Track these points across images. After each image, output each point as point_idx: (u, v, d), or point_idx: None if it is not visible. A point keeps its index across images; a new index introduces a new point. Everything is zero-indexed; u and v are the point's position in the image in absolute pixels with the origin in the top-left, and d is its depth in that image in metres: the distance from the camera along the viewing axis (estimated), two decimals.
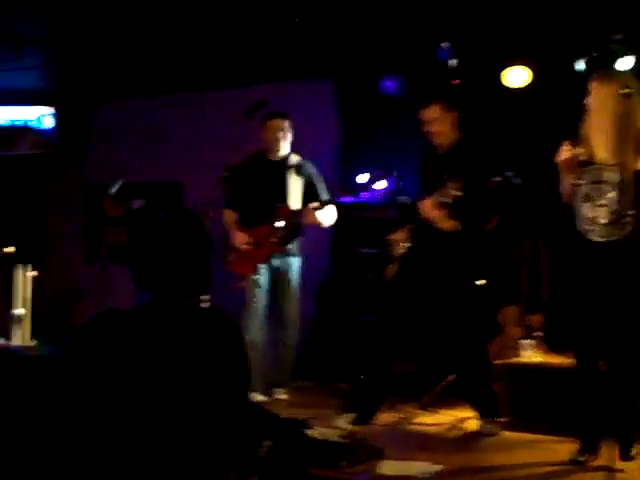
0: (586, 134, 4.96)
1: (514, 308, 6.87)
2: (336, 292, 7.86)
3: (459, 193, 5.43)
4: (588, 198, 4.94)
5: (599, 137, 4.90)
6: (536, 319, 6.80)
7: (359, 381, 6.10)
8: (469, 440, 5.69)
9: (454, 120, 5.91)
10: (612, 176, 4.86)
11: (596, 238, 4.91)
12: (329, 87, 8.50)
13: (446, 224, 5.65)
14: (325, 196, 6.92)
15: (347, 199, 7.61)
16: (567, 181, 5.03)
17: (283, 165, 6.90)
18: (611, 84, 4.87)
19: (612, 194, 4.84)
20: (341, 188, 8.10)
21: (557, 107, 6.99)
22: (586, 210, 4.96)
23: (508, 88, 7.21)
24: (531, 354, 6.22)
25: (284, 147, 6.91)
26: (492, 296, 6.67)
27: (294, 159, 6.95)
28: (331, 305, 7.85)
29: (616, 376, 4.94)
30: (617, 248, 4.84)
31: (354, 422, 5.79)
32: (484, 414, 5.84)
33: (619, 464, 4.64)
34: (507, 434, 5.77)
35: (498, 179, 6.39)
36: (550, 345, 6.56)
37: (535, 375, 6.08)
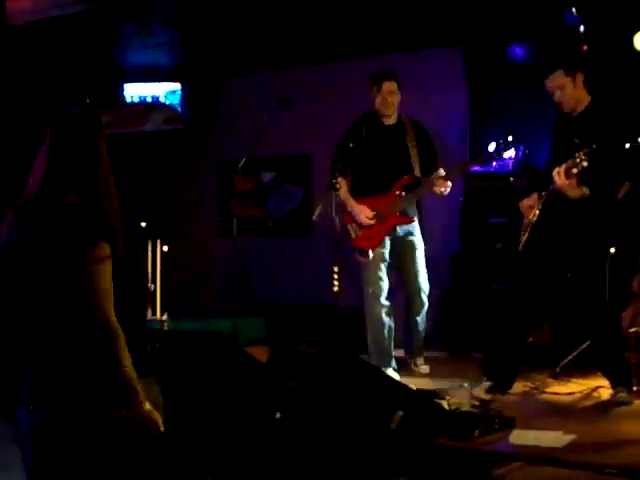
0: None
1: None
2: (467, 262, 7.89)
3: (585, 163, 5.38)
4: None
5: None
6: None
7: (494, 350, 6.13)
8: (602, 409, 5.66)
9: (580, 83, 5.80)
10: None
11: None
12: (458, 55, 8.49)
13: (575, 192, 5.59)
14: (435, 162, 6.83)
15: (476, 168, 7.60)
16: None
17: (400, 129, 6.80)
18: None
19: None
20: (471, 157, 8.13)
21: None
22: None
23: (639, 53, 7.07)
24: None
25: (397, 109, 6.82)
26: (625, 263, 6.61)
27: (409, 122, 6.84)
28: (463, 275, 7.89)
29: None
30: None
31: (490, 391, 5.83)
32: (617, 383, 5.79)
33: None
34: None
35: (629, 146, 6.33)
36: None
37: None
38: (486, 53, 8.18)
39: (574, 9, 7.11)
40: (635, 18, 7.00)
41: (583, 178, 5.51)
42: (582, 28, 7.14)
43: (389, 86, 6.71)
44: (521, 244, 5.96)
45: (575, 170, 5.44)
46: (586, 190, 5.57)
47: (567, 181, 5.53)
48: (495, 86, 8.15)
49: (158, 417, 3.62)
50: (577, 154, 5.40)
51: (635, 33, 6.98)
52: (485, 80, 8.27)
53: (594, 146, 5.37)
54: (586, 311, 5.86)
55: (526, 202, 6.03)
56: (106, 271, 3.53)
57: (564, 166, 5.52)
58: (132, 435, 3.45)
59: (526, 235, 5.95)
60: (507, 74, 7.90)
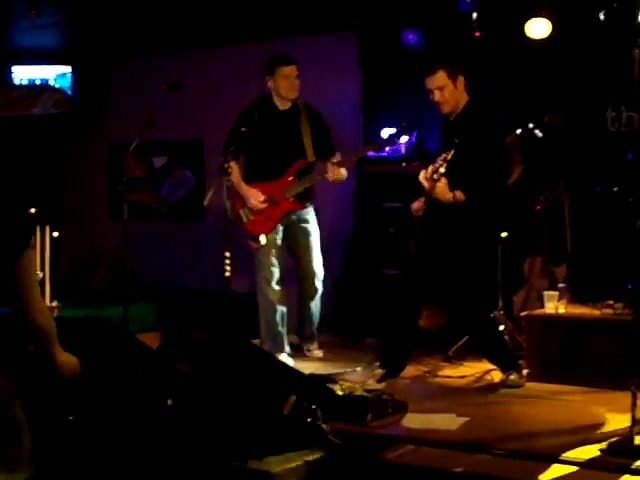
0: None
1: (538, 259, 6.89)
2: (361, 247, 7.89)
3: (443, 170, 5.42)
4: None
5: None
6: (560, 270, 6.82)
7: (385, 336, 6.14)
8: (493, 392, 5.73)
9: (460, 85, 5.83)
10: None
11: None
12: (351, 40, 8.45)
13: (446, 196, 5.60)
14: (330, 145, 6.81)
15: (370, 153, 7.59)
16: None
17: (294, 114, 6.74)
18: None
19: None
20: (364, 143, 8.12)
21: (578, 59, 6.98)
22: None
23: (530, 40, 7.15)
24: (555, 305, 6.21)
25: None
26: (516, 248, 6.69)
27: (303, 106, 6.79)
28: (357, 260, 7.89)
29: None
30: None
31: (383, 377, 5.83)
32: (507, 368, 5.88)
33: None
34: (531, 385, 5.81)
35: (520, 131, 6.41)
36: (575, 296, 6.58)
37: (559, 326, 6.08)
38: (380, 38, 8.17)
39: None
40: (528, 6, 7.07)
41: (456, 182, 5.53)
42: (475, 15, 7.18)
43: (292, 70, 6.64)
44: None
45: (436, 176, 5.47)
46: (459, 194, 5.58)
47: (436, 185, 5.53)
48: (389, 71, 8.15)
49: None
50: (437, 159, 5.46)
51: (527, 20, 7.05)
52: (379, 65, 8.26)
53: (452, 151, 5.41)
54: (463, 304, 5.90)
55: (415, 203, 6.02)
56: None
57: (429, 170, 5.54)
58: None
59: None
60: (401, 59, 7.90)
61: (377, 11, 7.91)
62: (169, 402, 4.35)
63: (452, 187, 5.58)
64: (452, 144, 5.55)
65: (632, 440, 4.19)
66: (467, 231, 5.71)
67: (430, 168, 5.54)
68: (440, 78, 5.77)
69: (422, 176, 5.68)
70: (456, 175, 5.54)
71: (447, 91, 5.78)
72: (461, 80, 5.82)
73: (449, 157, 5.45)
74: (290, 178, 6.65)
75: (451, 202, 5.60)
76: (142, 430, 4.28)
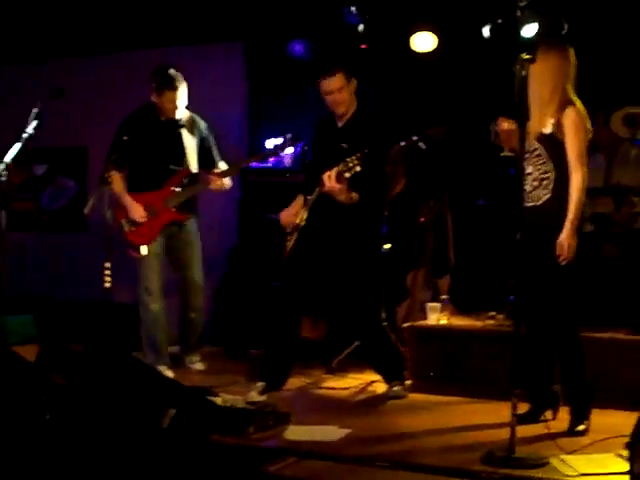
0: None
1: (421, 272, 6.93)
2: (245, 257, 7.83)
3: (359, 168, 5.42)
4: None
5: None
6: (443, 282, 6.89)
7: (266, 348, 6.09)
8: (377, 403, 5.73)
9: (353, 89, 5.86)
10: (534, 143, 4.86)
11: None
12: (238, 51, 8.41)
13: (344, 196, 5.59)
14: (218, 156, 6.77)
15: (255, 164, 7.55)
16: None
17: (176, 123, 6.63)
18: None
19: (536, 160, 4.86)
20: (249, 153, 8.07)
21: (463, 73, 7.07)
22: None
23: (416, 53, 7.22)
24: (438, 317, 6.26)
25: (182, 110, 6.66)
26: (399, 260, 6.72)
27: (186, 116, 6.70)
28: (240, 270, 7.82)
29: (560, 345, 4.93)
30: (535, 213, 4.82)
31: (264, 390, 5.77)
32: (391, 378, 5.89)
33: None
34: (415, 396, 5.84)
35: (404, 143, 6.44)
36: (457, 307, 6.65)
37: (442, 338, 6.13)
38: (266, 49, 8.15)
39: (354, 8, 7.17)
40: (414, 19, 7.13)
41: (353, 183, 5.53)
42: (361, 27, 7.21)
43: (176, 95, 6.50)
44: (288, 248, 5.93)
45: (348, 174, 5.46)
46: (355, 195, 5.59)
47: (337, 185, 5.53)
48: (275, 82, 8.13)
49: None
50: (349, 159, 5.44)
51: (412, 34, 7.12)
52: (265, 76, 8.24)
53: (366, 151, 5.42)
54: (354, 310, 5.90)
55: (286, 213, 5.99)
56: None
57: (335, 170, 5.53)
58: None
59: (293, 239, 5.91)
60: (287, 70, 7.89)
61: (264, 22, 7.90)
62: (47, 416, 4.23)
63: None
64: (341, 150, 5.55)
65: (513, 450, 4.22)
66: (359, 229, 5.73)
67: (341, 167, 5.50)
68: (339, 80, 5.77)
69: (326, 175, 5.62)
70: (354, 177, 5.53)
71: (345, 92, 5.79)
72: (354, 84, 5.84)
73: (362, 158, 5.42)
74: (172, 188, 6.56)
75: (347, 202, 5.59)
76: (20, 444, 4.15)
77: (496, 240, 6.62)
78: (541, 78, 4.85)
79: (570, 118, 4.80)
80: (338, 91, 5.78)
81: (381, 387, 6.00)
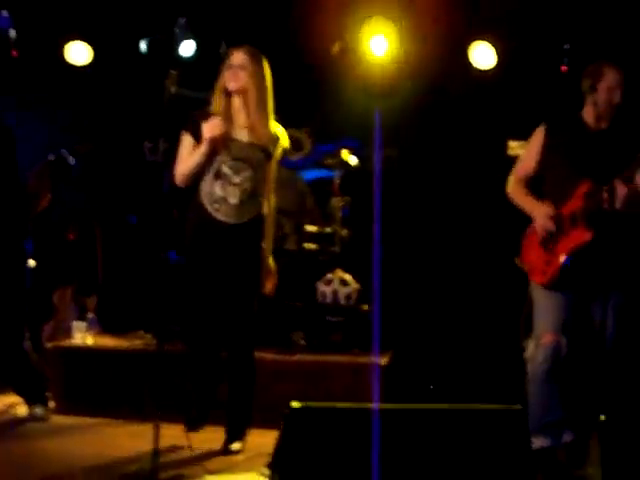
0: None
1: (69, 289, 6.79)
2: None
3: None
4: (220, 176, 4.82)
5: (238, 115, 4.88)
6: (90, 301, 6.77)
7: None
8: (19, 426, 5.52)
9: None
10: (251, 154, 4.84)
11: (222, 218, 4.81)
12: None
13: None
14: None
15: None
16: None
17: None
18: None
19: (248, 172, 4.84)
20: None
21: (119, 88, 7.03)
22: (216, 188, 4.82)
23: (70, 64, 7.08)
24: (84, 336, 6.14)
25: None
26: (45, 277, 6.54)
27: None
28: None
29: (234, 365, 4.96)
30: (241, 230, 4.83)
31: None
32: (31, 400, 5.68)
33: None
34: (59, 418, 5.68)
35: (52, 157, 6.28)
36: (104, 326, 6.55)
37: (87, 358, 6.04)
38: None
39: (5, 12, 6.91)
40: (65, 29, 7.00)
41: None
42: (13, 33, 6.95)
43: None
44: None
45: None
46: None
47: None
48: None
49: None
50: None
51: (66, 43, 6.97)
52: None
53: None
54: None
55: None
56: None
57: None
58: None
59: None
60: None
61: None
62: None
63: None
64: None
65: (156, 471, 4.20)
66: None
67: None
68: None
69: None
70: None
71: None
72: None
73: None
74: None
75: None
76: None
77: (146, 258, 6.61)
78: None
79: None
80: None
81: (23, 410, 5.74)
